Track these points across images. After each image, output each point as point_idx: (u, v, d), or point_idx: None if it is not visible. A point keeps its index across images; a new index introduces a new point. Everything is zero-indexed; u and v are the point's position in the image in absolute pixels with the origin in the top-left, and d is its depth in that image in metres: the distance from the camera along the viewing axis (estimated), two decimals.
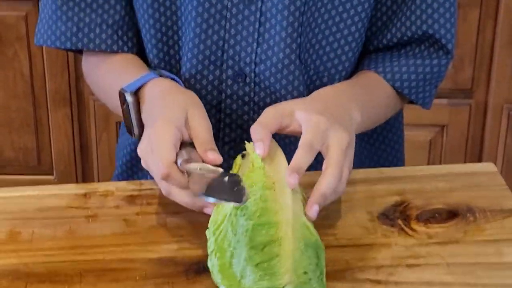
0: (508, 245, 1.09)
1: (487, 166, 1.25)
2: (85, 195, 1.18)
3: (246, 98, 1.29)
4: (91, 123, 2.58)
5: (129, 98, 1.18)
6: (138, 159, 1.39)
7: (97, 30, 1.31)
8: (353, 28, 1.28)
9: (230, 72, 1.28)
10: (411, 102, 1.37)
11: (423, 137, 2.59)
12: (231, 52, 1.27)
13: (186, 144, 1.09)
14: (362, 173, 1.23)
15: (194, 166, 1.05)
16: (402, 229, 1.12)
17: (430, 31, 1.30)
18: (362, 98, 1.25)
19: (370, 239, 1.11)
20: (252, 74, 1.28)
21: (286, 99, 1.27)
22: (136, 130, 1.20)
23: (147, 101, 1.18)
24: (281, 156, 1.10)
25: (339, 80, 1.31)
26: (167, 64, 1.32)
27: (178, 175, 1.04)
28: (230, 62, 1.27)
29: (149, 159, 1.09)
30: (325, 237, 1.09)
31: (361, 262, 1.06)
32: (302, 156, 1.05)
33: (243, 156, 1.12)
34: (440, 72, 1.35)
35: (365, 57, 1.36)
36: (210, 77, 1.29)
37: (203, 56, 1.27)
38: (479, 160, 2.59)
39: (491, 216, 1.14)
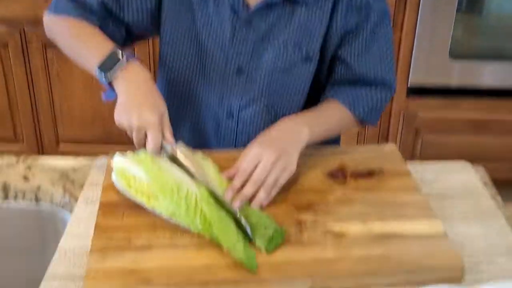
0: (401, 191, 1.07)
1: (391, 146, 1.23)
2: None
3: (233, 129, 1.25)
4: None
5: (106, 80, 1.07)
6: None
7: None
8: (300, 88, 1.22)
9: (225, 112, 1.24)
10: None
11: (354, 130, 2.57)
12: (226, 101, 1.23)
13: None
14: (322, 149, 1.20)
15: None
16: (342, 181, 1.11)
17: (379, 77, 1.22)
18: (315, 120, 1.15)
19: (324, 187, 1.09)
20: (237, 116, 1.24)
21: (259, 129, 1.19)
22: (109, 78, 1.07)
23: (130, 77, 1.07)
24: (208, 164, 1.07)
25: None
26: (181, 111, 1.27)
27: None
28: (225, 106, 1.23)
29: (140, 133, 1.02)
30: (297, 187, 1.08)
31: (317, 200, 1.05)
32: (237, 181, 1.01)
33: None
34: (385, 101, 1.24)
35: (331, 87, 1.23)
36: (212, 112, 1.25)
37: (211, 99, 1.23)
38: (386, 143, 2.57)
39: (393, 175, 1.13)
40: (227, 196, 0.99)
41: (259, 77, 1.19)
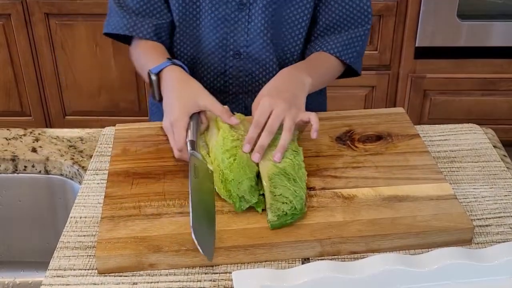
0: (411, 155, 1.08)
1: (399, 109, 1.23)
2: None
3: (241, 68, 1.26)
4: None
5: (153, 77, 1.13)
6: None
7: (144, 26, 1.22)
8: (301, 20, 1.23)
9: (231, 52, 1.24)
10: (349, 74, 1.30)
11: (361, 93, 2.56)
12: (232, 40, 1.23)
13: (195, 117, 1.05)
14: (326, 114, 1.20)
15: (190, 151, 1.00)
16: (350, 146, 1.11)
17: (354, 10, 1.23)
18: (311, 68, 1.18)
19: (331, 152, 1.09)
20: (245, 53, 1.24)
21: (265, 66, 1.25)
22: (157, 96, 1.14)
23: (165, 82, 1.11)
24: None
25: (297, 53, 1.27)
26: (188, 45, 1.26)
27: (185, 152, 1.02)
28: (231, 46, 1.24)
29: (170, 135, 1.05)
30: (305, 152, 1.08)
31: (326, 165, 1.05)
32: (252, 131, 1.01)
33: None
34: (364, 39, 1.26)
35: (316, 41, 1.26)
36: (220, 56, 1.25)
37: (215, 43, 1.24)
38: (394, 106, 2.56)
39: (401, 138, 1.12)
40: (245, 149, 0.99)
41: (260, 10, 1.20)
